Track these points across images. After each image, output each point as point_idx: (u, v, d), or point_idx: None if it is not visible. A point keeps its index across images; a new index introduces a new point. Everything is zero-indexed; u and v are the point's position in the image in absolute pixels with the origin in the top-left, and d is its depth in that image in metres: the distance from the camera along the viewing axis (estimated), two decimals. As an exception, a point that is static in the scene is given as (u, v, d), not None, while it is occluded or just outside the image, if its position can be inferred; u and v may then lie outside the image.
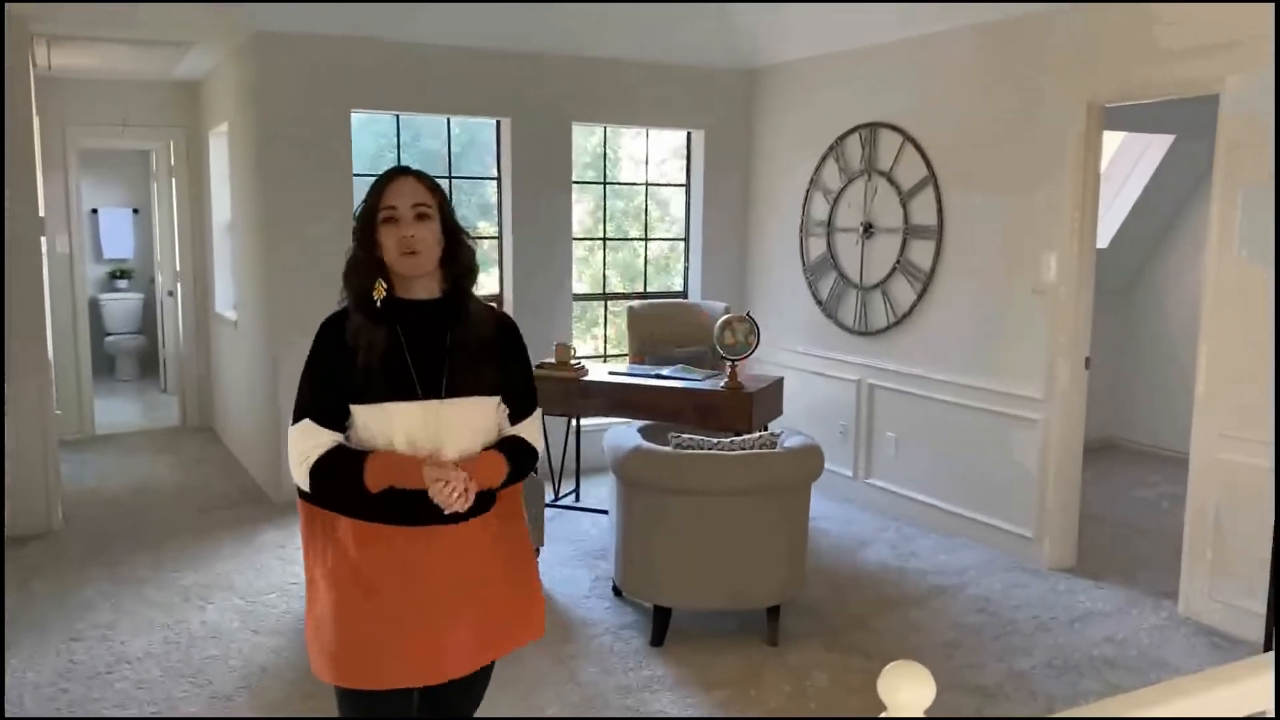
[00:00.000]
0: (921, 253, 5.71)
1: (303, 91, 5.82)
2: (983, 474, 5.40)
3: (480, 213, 8.48)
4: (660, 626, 4.14)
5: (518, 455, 2.30)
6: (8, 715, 3.53)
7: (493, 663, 2.39)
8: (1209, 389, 4.38)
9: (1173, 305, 7.27)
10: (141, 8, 5.44)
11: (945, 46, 5.50)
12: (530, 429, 2.35)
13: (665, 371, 5.40)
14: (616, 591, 4.61)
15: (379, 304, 2.16)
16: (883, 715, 1.35)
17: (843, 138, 6.17)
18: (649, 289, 7.33)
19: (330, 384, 2.17)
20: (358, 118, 6.16)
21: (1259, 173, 4.11)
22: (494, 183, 6.67)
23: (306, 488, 2.18)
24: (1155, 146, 6.82)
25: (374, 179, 2.23)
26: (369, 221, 2.17)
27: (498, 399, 2.27)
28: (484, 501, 2.24)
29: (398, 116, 6.39)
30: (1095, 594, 4.75)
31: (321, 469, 2.13)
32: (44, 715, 3.57)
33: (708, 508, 3.96)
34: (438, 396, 2.15)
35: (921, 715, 1.34)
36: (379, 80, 5.98)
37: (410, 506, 2.14)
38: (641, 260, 7.65)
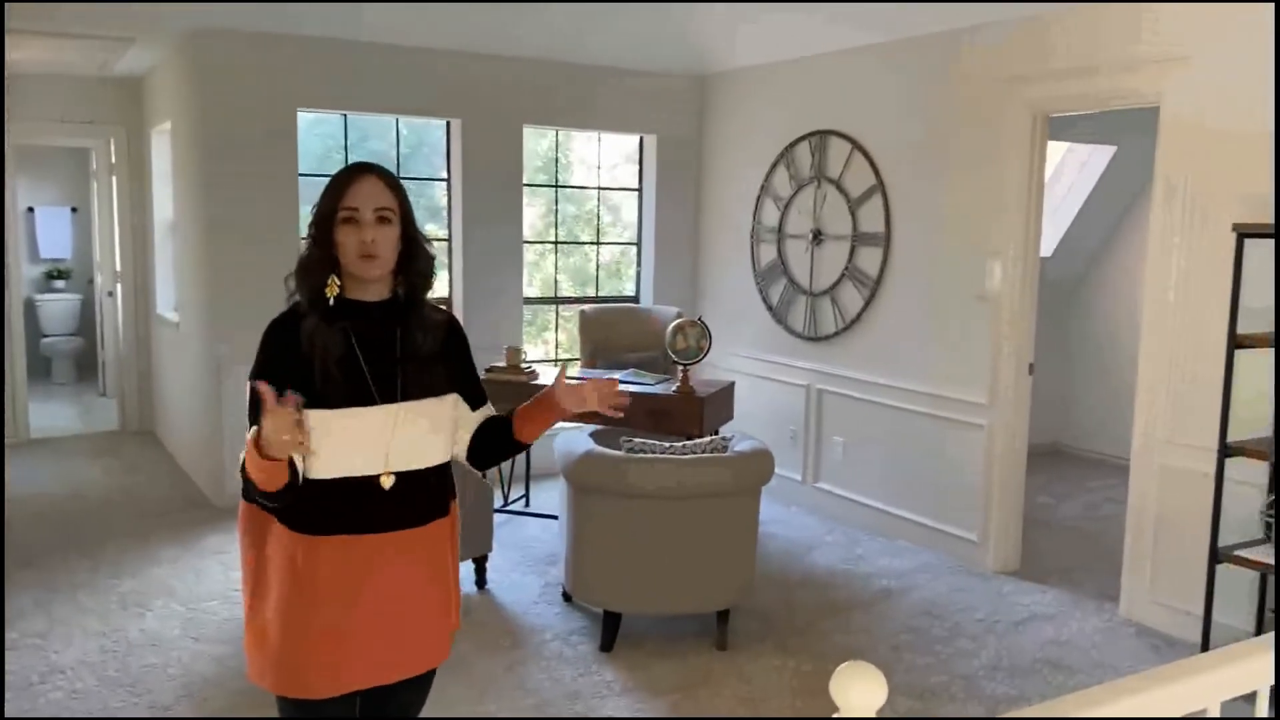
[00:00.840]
0: (870, 260, 5.76)
1: (248, 89, 5.73)
2: (929, 478, 5.46)
3: (429, 215, 8.40)
4: (610, 632, 4.12)
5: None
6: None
7: (426, 684, 2.33)
8: (1149, 395, 4.47)
9: (1114, 313, 7.42)
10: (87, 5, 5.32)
11: (895, 56, 5.56)
12: (484, 413, 2.33)
13: (617, 375, 5.38)
14: (566, 597, 4.58)
15: (331, 302, 2.09)
16: (835, 716, 1.35)
17: (793, 145, 6.22)
18: (600, 294, 7.32)
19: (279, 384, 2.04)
20: (304, 117, 6.07)
21: (1198, 184, 4.20)
22: (443, 184, 6.61)
23: (245, 494, 2.09)
24: (1097, 157, 6.96)
25: (332, 175, 2.15)
26: (327, 220, 2.09)
27: (454, 396, 2.24)
28: (436, 507, 2.22)
29: (345, 116, 6.32)
30: (1039, 597, 4.82)
31: (243, 469, 2.02)
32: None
33: (659, 512, 3.95)
34: (394, 400, 2.10)
35: (873, 715, 1.33)
36: (327, 79, 5.91)
37: (366, 515, 2.10)
38: (593, 265, 7.64)
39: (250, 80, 5.73)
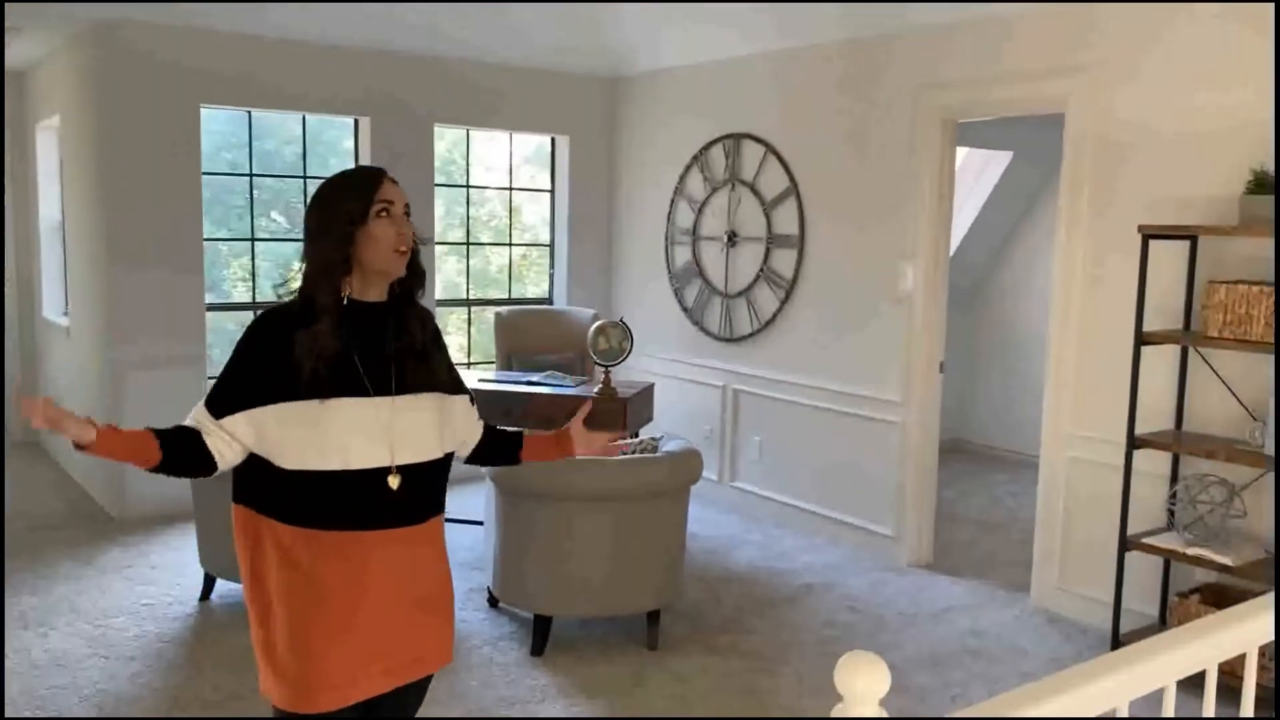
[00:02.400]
0: (784, 261, 5.85)
1: (148, 84, 5.51)
2: (845, 475, 5.57)
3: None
4: (541, 636, 4.09)
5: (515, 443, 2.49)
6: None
7: (427, 682, 2.32)
8: (1057, 391, 4.64)
9: (1012, 313, 7.69)
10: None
11: (807, 61, 5.66)
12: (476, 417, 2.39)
13: (536, 378, 5.35)
14: (492, 603, 4.52)
15: (346, 303, 2.08)
16: (836, 713, 1.36)
17: (707, 147, 6.27)
18: (511, 296, 7.25)
19: (246, 375, 2.05)
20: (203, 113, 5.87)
21: (1103, 187, 4.39)
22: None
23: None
24: (995, 162, 7.20)
25: (344, 179, 2.14)
26: (356, 218, 2.04)
27: (464, 399, 2.28)
28: (435, 503, 2.19)
29: (249, 113, 6.12)
30: (954, 589, 4.96)
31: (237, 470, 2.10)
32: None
33: (590, 514, 3.94)
34: (389, 393, 2.09)
35: (877, 705, 1.35)
36: (231, 75, 5.72)
37: (370, 511, 2.07)
38: (493, 267, 7.57)
39: (150, 75, 5.51)
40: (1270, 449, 3.66)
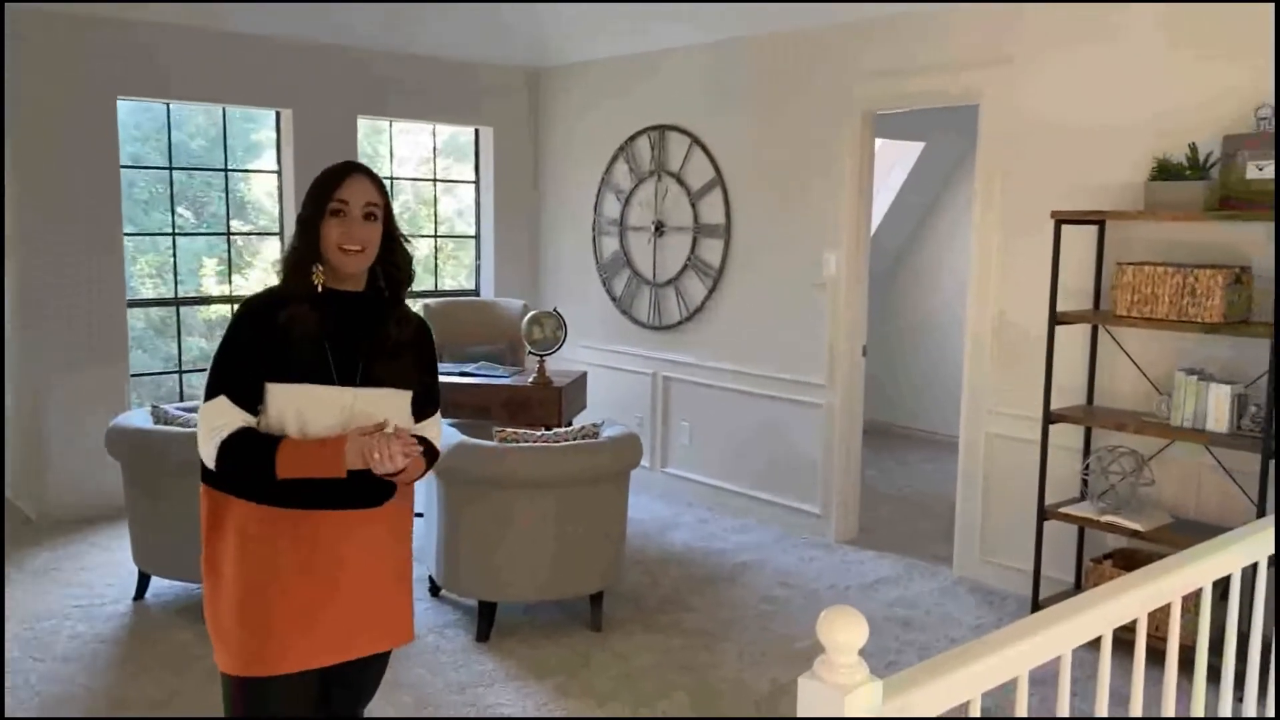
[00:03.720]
0: (711, 251, 5.98)
1: (59, 74, 5.37)
2: (772, 457, 5.73)
3: (234, 209, 8.08)
4: (485, 622, 4.14)
5: (429, 455, 2.33)
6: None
7: (383, 662, 2.41)
8: (975, 371, 4.85)
9: (927, 298, 7.96)
10: None
11: (731, 54, 5.79)
12: (434, 430, 2.39)
13: (469, 368, 5.38)
14: (434, 591, 4.55)
15: (319, 289, 2.18)
16: (820, 658, 1.47)
17: (632, 139, 6.36)
18: (438, 288, 7.24)
19: (249, 363, 2.16)
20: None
21: (1016, 175, 4.60)
22: (257, 176, 6.39)
23: (212, 464, 2.15)
24: (908, 152, 7.44)
25: (322, 172, 2.24)
26: (317, 211, 2.18)
27: (410, 394, 2.30)
28: (389, 489, 2.27)
29: (168, 105, 6.00)
30: (880, 563, 5.15)
31: (231, 448, 2.12)
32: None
33: (533, 500, 4.00)
34: (353, 385, 2.19)
35: (856, 654, 1.46)
36: (149, 66, 5.61)
37: (318, 491, 2.15)
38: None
39: (62, 64, 5.36)
40: (1181, 422, 3.91)
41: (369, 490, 2.21)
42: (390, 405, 2.23)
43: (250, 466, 2.12)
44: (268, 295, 2.23)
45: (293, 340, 2.14)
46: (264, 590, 2.15)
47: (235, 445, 2.12)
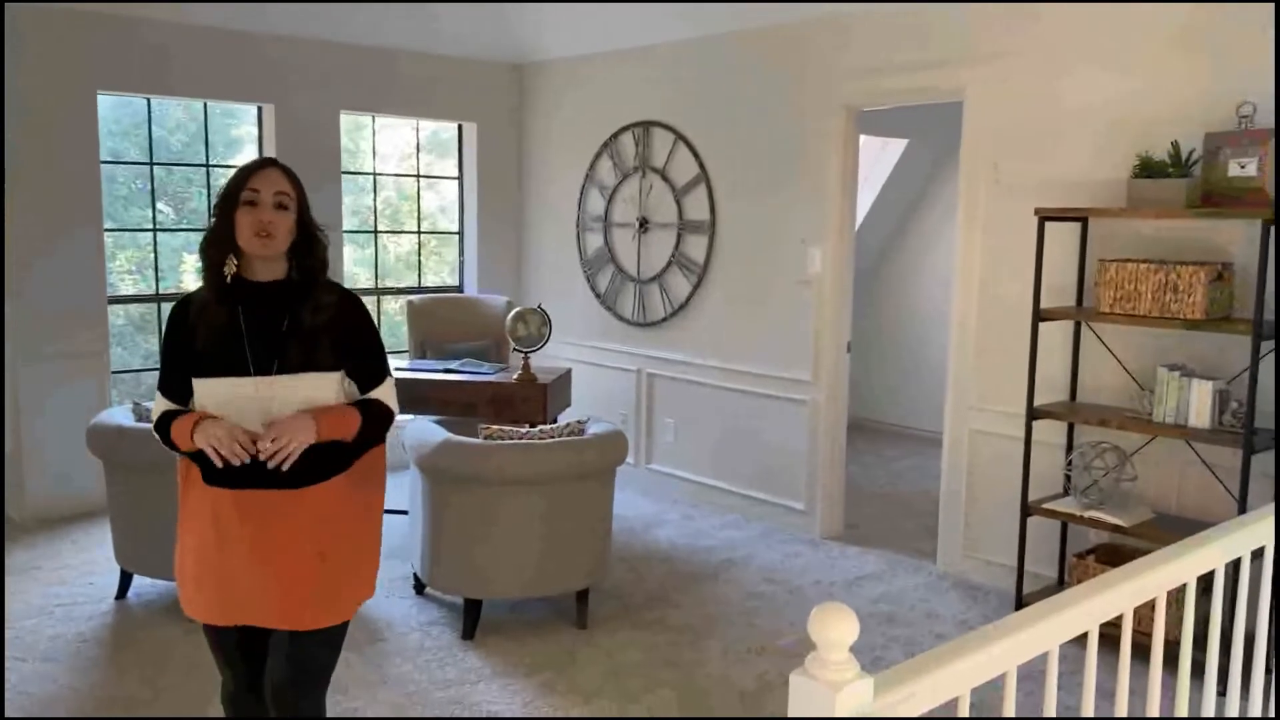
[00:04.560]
0: (696, 247, 5.98)
1: (38, 68, 5.31)
2: (757, 454, 5.74)
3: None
4: (471, 619, 4.13)
5: (370, 414, 2.41)
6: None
7: (331, 643, 2.49)
8: (959, 367, 4.87)
9: (910, 294, 7.99)
10: None
11: (715, 50, 5.79)
12: (384, 393, 2.48)
13: (454, 365, 5.36)
14: (419, 589, 4.54)
15: (229, 279, 2.32)
16: (811, 655, 1.47)
17: (616, 135, 6.35)
18: (422, 285, 7.22)
19: (175, 360, 2.38)
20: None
21: (998, 173, 4.62)
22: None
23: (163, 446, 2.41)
24: (891, 148, 7.46)
25: (239, 166, 2.39)
26: (230, 202, 2.31)
27: (339, 374, 2.40)
28: (335, 464, 2.39)
29: (149, 100, 5.95)
30: (865, 559, 5.17)
31: (158, 429, 2.39)
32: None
33: (519, 498, 3.99)
34: (269, 373, 2.30)
35: (847, 651, 1.46)
36: (129, 60, 5.56)
37: (246, 473, 2.28)
38: (391, 256, 7.51)
39: (42, 58, 5.31)
40: (1163, 418, 3.93)
41: (286, 476, 2.29)
42: (310, 389, 2.33)
43: (167, 442, 2.37)
44: (190, 295, 2.40)
45: (210, 335, 2.31)
46: (196, 548, 2.40)
47: (159, 426, 2.38)
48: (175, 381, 2.37)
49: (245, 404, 2.29)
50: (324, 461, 2.35)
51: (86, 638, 4.08)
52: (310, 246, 2.37)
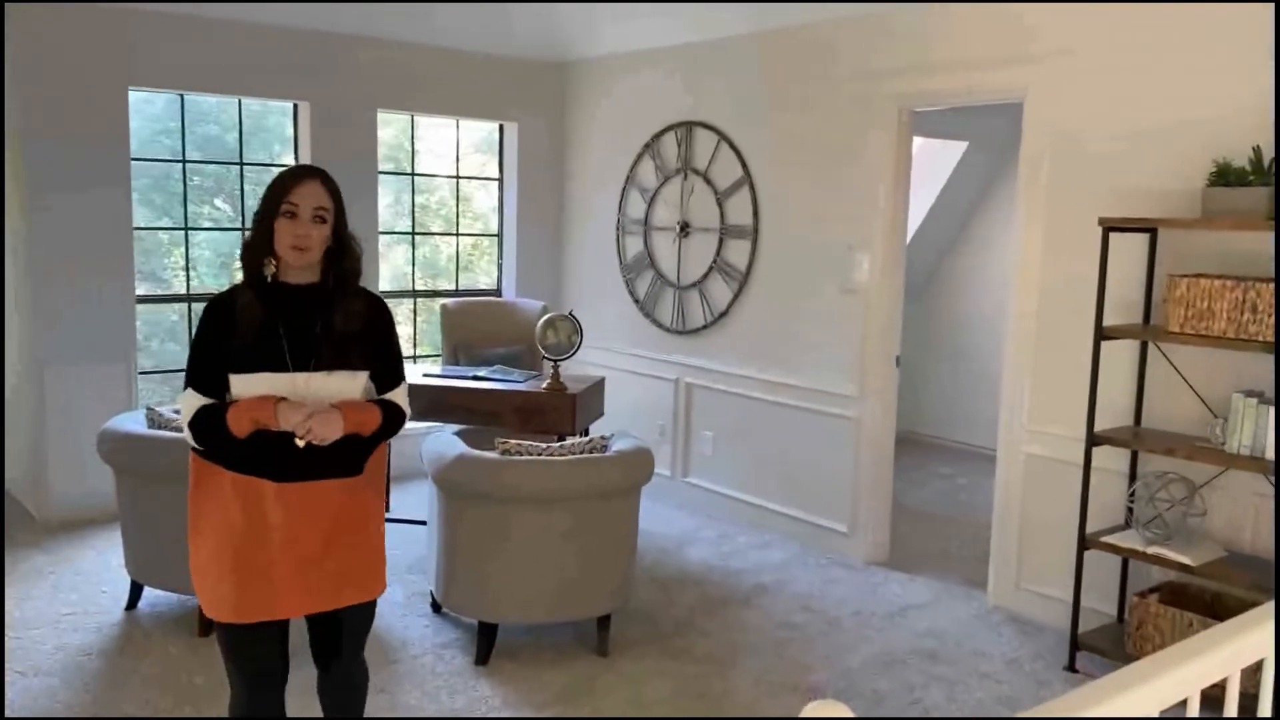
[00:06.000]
0: (738, 252, 5.72)
1: (70, 64, 5.23)
2: (798, 471, 5.46)
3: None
4: (486, 644, 3.93)
5: (389, 411, 2.56)
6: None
7: (372, 609, 2.67)
8: (1014, 386, 4.55)
9: (963, 305, 7.64)
10: None
11: (762, 47, 5.53)
12: (399, 395, 2.61)
13: (483, 372, 5.17)
14: (435, 607, 4.35)
15: (269, 280, 2.43)
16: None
17: (659, 135, 6.12)
18: (458, 287, 7.06)
19: (210, 356, 2.42)
20: (134, 95, 5.59)
21: (1062, 178, 4.30)
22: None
23: (192, 443, 2.45)
24: (949, 152, 7.13)
25: (278, 173, 2.47)
26: (271, 210, 2.41)
27: (365, 374, 2.53)
28: (351, 465, 2.53)
29: (182, 96, 5.85)
30: (909, 586, 4.87)
31: (197, 421, 2.41)
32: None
33: (538, 516, 3.78)
34: (306, 370, 2.43)
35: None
36: (162, 55, 5.45)
37: (280, 463, 2.42)
38: (443, 256, 7.36)
39: (73, 53, 5.23)
40: (1237, 449, 3.60)
41: (323, 466, 2.46)
42: (341, 387, 2.47)
43: (213, 432, 2.40)
44: (228, 293, 2.46)
45: (249, 333, 2.38)
46: (228, 547, 2.43)
47: (200, 419, 2.40)
48: (209, 376, 2.41)
49: (284, 396, 2.40)
50: (352, 453, 2.51)
51: (91, 651, 3.94)
52: (344, 255, 2.48)
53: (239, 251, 2.49)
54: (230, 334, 2.39)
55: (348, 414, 2.43)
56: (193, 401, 2.41)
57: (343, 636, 2.62)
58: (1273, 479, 3.57)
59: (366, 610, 2.65)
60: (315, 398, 2.42)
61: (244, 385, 2.39)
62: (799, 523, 5.47)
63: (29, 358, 5.39)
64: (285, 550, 2.44)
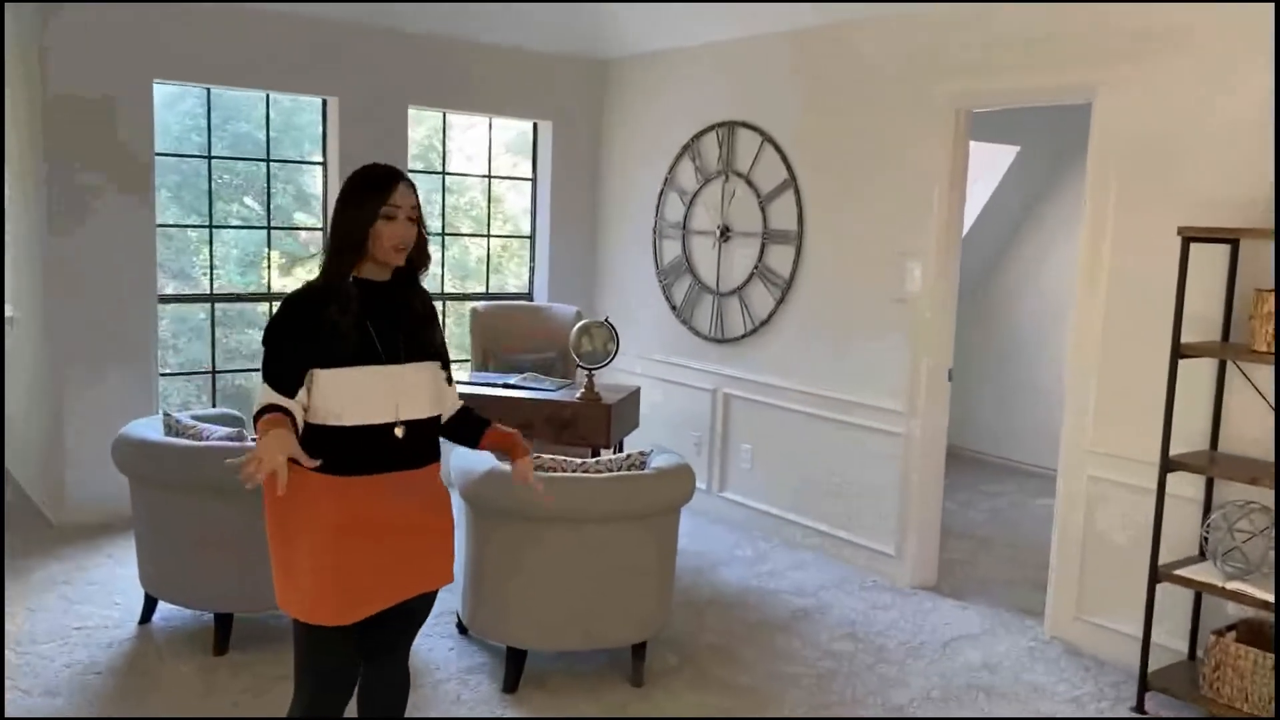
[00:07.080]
0: (781, 259, 5.48)
1: (96, 57, 5.07)
2: (842, 488, 5.21)
3: (298, 202, 7.77)
4: (514, 670, 3.71)
5: (475, 417, 2.76)
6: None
7: (434, 596, 2.67)
8: (1076, 405, 4.28)
9: (1015, 315, 7.35)
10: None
11: (809, 44, 5.29)
12: (456, 392, 2.74)
13: (514, 380, 4.96)
14: (462, 630, 4.13)
15: (352, 278, 2.47)
16: None
17: (699, 136, 5.89)
18: (489, 290, 6.86)
19: (290, 356, 2.41)
20: (160, 91, 5.43)
21: (1132, 185, 4.03)
22: (318, 168, 6.05)
23: None
24: (1001, 156, 6.85)
25: (366, 176, 2.48)
26: (370, 214, 2.42)
27: (439, 363, 2.61)
28: (435, 451, 2.59)
29: (209, 91, 5.69)
30: (960, 614, 4.61)
31: (255, 421, 2.37)
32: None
33: (571, 537, 3.56)
34: (398, 362, 2.48)
35: None
36: (188, 48, 5.29)
37: (383, 458, 2.46)
38: (473, 258, 7.17)
39: (98, 46, 5.07)
40: (1322, 476, 3.32)
41: (416, 455, 2.52)
42: (429, 373, 2.55)
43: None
44: (307, 291, 2.47)
45: (339, 329, 2.40)
46: (337, 548, 2.42)
47: (257, 418, 2.36)
48: (288, 373, 2.40)
49: (377, 388, 2.44)
50: (432, 444, 2.58)
51: (100, 668, 3.76)
52: (421, 251, 2.54)
53: (328, 251, 2.48)
54: (317, 332, 2.40)
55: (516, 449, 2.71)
56: (265, 398, 2.40)
57: (408, 628, 2.65)
58: (1368, 513, 3.29)
59: (433, 599, 2.69)
60: (409, 386, 2.49)
61: (341, 379, 2.41)
62: (842, 543, 5.22)
63: (46, 356, 5.23)
64: (381, 542, 2.46)
